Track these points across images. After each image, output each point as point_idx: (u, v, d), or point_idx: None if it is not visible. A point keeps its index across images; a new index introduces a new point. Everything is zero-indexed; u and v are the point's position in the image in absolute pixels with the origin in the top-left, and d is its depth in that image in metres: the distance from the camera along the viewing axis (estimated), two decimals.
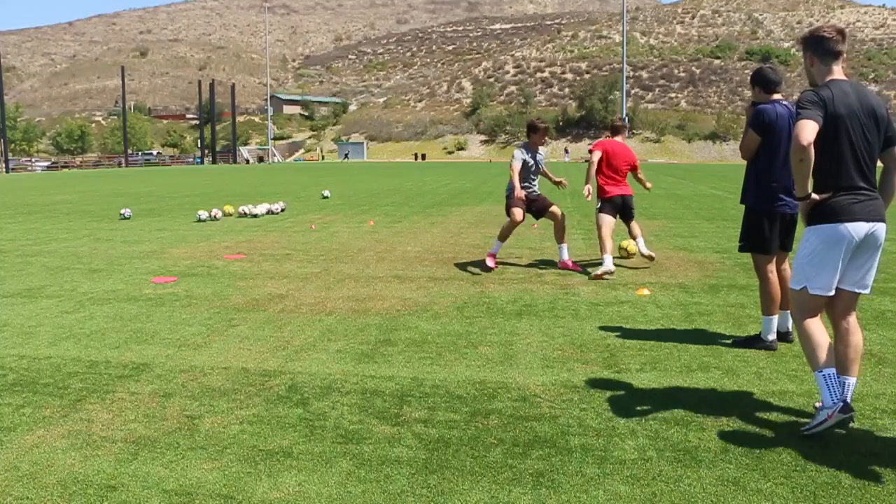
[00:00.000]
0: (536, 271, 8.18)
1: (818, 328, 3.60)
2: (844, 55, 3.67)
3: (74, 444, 3.45)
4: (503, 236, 8.49)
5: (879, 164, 3.68)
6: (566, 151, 76.99)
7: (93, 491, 2.98)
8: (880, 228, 3.54)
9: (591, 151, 8.55)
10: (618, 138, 8.53)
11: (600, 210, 8.22)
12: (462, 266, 8.54)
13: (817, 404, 3.82)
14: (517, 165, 8.22)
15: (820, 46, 3.62)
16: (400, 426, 3.66)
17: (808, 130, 3.38)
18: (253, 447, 3.41)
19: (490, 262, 8.31)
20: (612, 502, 2.88)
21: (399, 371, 4.55)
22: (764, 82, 5.01)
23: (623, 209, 8.31)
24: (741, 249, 5.20)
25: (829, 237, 3.51)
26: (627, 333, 5.44)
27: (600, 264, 7.96)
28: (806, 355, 3.65)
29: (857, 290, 3.64)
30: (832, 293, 3.60)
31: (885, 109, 3.63)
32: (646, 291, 6.96)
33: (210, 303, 6.61)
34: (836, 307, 3.68)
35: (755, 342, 5.06)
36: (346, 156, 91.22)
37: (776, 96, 5.00)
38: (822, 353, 3.53)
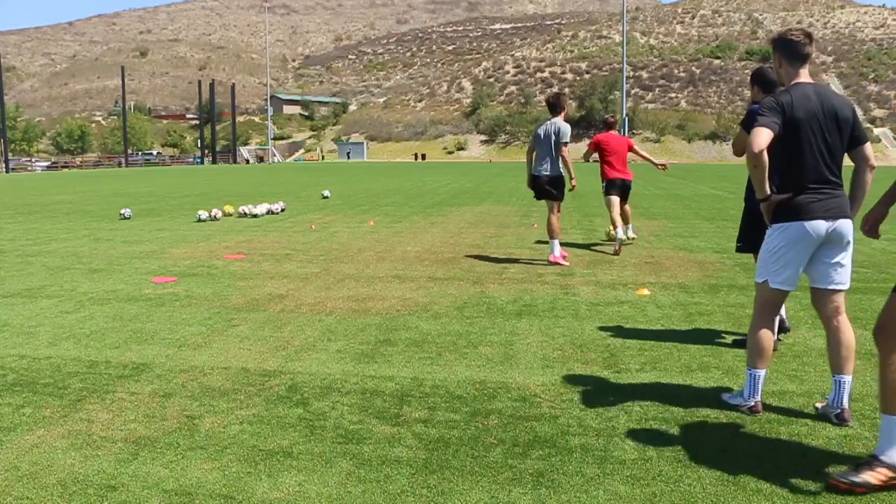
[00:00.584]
0: (536, 271, 8.18)
1: (768, 334, 3.80)
2: (812, 57, 3.78)
3: (74, 444, 3.45)
4: (557, 233, 8.61)
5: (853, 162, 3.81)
6: None
7: (93, 491, 2.99)
8: (842, 225, 3.64)
9: (590, 145, 10.24)
10: (612, 131, 10.22)
11: (607, 193, 9.95)
12: (464, 266, 8.53)
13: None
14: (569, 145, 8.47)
15: (788, 49, 3.73)
16: (400, 426, 3.66)
17: (760, 138, 3.52)
18: (253, 447, 3.41)
19: (564, 261, 8.52)
20: (612, 502, 2.88)
21: (399, 371, 4.55)
22: (763, 82, 5.05)
23: (623, 190, 9.99)
24: (739, 250, 5.24)
25: (790, 235, 3.65)
26: (627, 333, 5.44)
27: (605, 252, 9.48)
28: (748, 350, 3.86)
29: (832, 288, 3.73)
30: (793, 289, 3.75)
31: (850, 111, 3.73)
32: (646, 291, 6.96)
33: (210, 303, 6.61)
34: (822, 308, 3.80)
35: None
36: (347, 155, 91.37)
37: None
38: (762, 357, 3.79)
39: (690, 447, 3.38)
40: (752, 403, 3.79)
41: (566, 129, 8.35)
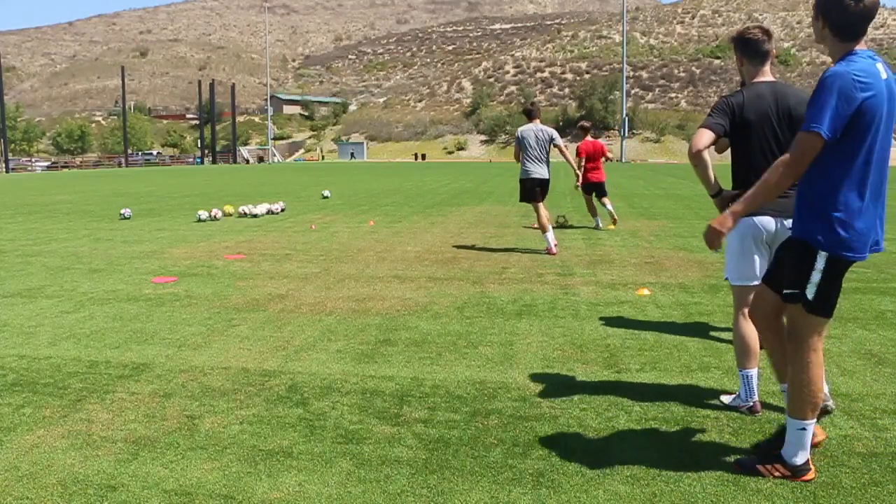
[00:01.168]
0: (536, 271, 8.18)
1: (750, 331, 3.81)
2: (773, 54, 3.85)
3: (74, 444, 3.45)
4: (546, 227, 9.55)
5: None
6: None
7: (93, 491, 2.99)
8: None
9: (579, 154, 12.22)
10: (588, 137, 12.40)
11: (584, 191, 12.37)
12: (464, 266, 8.54)
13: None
14: None
15: (748, 47, 3.80)
16: (400, 426, 3.66)
17: (700, 139, 3.64)
18: (253, 447, 3.41)
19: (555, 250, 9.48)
20: (612, 502, 2.88)
21: (399, 371, 4.55)
22: None
23: (597, 189, 12.40)
24: None
25: (741, 230, 3.74)
26: (627, 333, 5.44)
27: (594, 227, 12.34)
28: (735, 351, 3.90)
29: None
30: (752, 283, 3.80)
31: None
32: (646, 291, 6.96)
33: (210, 303, 6.61)
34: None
35: None
36: (351, 155, 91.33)
37: None
38: (749, 356, 3.80)
39: (690, 447, 3.38)
40: (751, 404, 3.82)
41: (556, 132, 9.48)
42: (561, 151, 9.53)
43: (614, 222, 12.31)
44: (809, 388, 3.00)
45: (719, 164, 4.00)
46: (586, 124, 12.62)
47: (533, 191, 9.48)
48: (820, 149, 2.83)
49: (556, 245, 9.50)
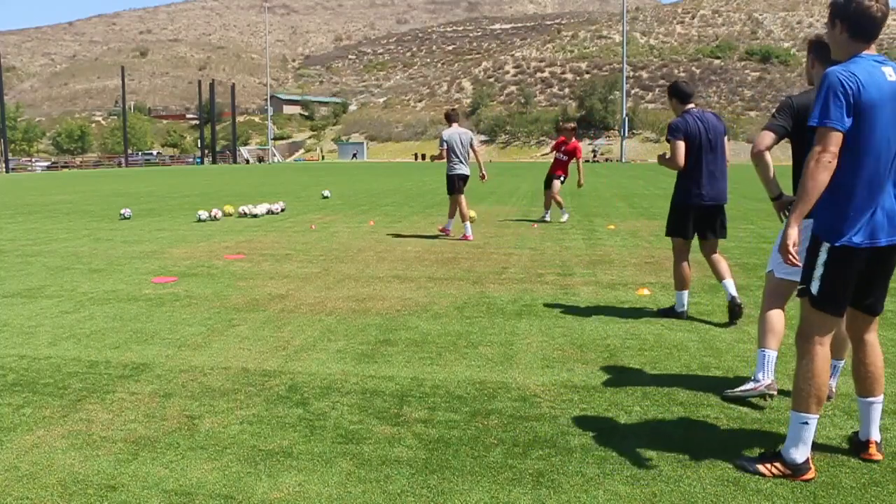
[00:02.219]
0: (536, 271, 8.18)
1: (778, 316, 3.92)
2: None
3: (74, 444, 3.45)
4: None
5: None
6: None
7: (93, 491, 2.99)
8: None
9: (577, 155, 13.48)
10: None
11: (560, 181, 13.56)
12: (464, 266, 8.54)
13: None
14: None
15: (823, 51, 3.82)
16: (400, 426, 3.66)
17: (762, 140, 3.74)
18: (253, 447, 3.41)
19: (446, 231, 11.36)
20: (612, 502, 2.88)
21: (399, 371, 4.55)
22: (680, 95, 5.71)
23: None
24: (666, 233, 6.20)
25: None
26: (627, 333, 5.44)
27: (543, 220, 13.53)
28: (758, 332, 3.99)
29: None
30: (793, 278, 3.80)
31: None
32: (646, 291, 6.96)
33: (210, 303, 6.61)
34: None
35: (669, 313, 5.95)
36: (354, 156, 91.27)
37: (689, 106, 5.69)
38: (772, 338, 3.89)
39: (690, 447, 3.38)
40: (768, 382, 3.85)
41: (473, 134, 10.95)
42: (475, 152, 11.00)
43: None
44: (815, 381, 3.00)
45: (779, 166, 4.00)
46: (574, 125, 14.46)
47: (458, 184, 10.89)
48: (840, 140, 2.85)
49: (452, 232, 11.27)
